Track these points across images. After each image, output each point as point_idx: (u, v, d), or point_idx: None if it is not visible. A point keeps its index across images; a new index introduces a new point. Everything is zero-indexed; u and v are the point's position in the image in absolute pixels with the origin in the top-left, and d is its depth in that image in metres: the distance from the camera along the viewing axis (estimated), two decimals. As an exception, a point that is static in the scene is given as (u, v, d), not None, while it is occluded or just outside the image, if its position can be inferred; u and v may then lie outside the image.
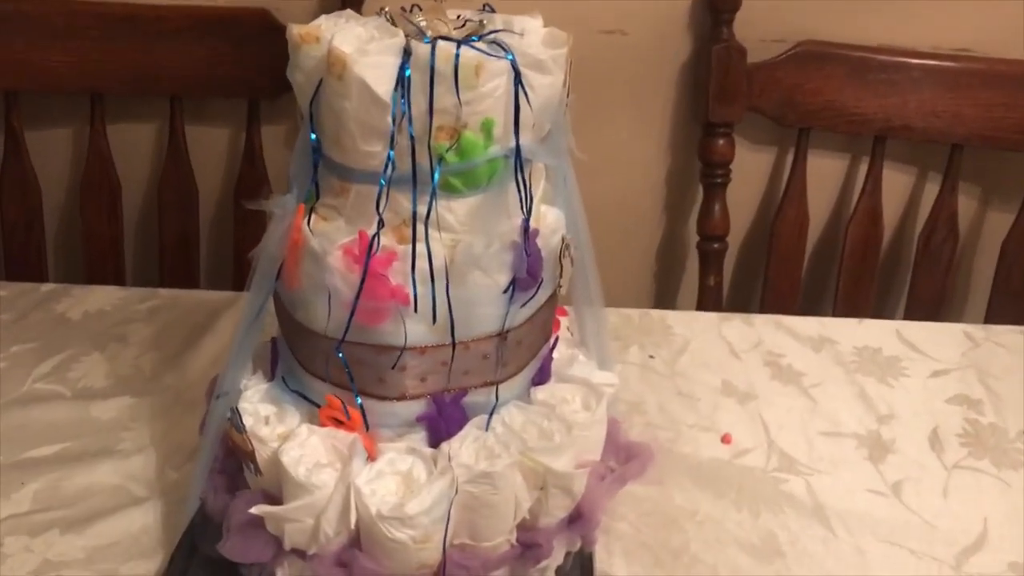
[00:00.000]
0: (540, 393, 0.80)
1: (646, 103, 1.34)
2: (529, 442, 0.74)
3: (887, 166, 1.33)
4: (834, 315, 1.33)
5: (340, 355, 0.71)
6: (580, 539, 0.78)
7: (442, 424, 0.74)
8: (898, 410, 1.03)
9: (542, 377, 0.82)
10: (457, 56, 0.66)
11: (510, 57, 0.69)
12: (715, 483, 0.91)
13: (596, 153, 1.34)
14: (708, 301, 1.35)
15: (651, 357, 1.10)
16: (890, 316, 1.41)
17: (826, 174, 1.38)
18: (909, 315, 1.35)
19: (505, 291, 0.73)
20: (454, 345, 0.72)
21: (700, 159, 1.33)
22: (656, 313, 1.18)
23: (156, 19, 1.26)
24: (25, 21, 1.25)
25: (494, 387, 0.76)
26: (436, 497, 0.70)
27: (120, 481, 0.87)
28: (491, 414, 0.75)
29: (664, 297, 1.46)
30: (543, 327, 0.80)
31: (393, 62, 0.66)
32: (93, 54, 1.27)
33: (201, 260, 1.36)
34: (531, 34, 0.74)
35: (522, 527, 0.75)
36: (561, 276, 0.79)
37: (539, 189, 0.78)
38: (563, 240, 0.78)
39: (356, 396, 0.73)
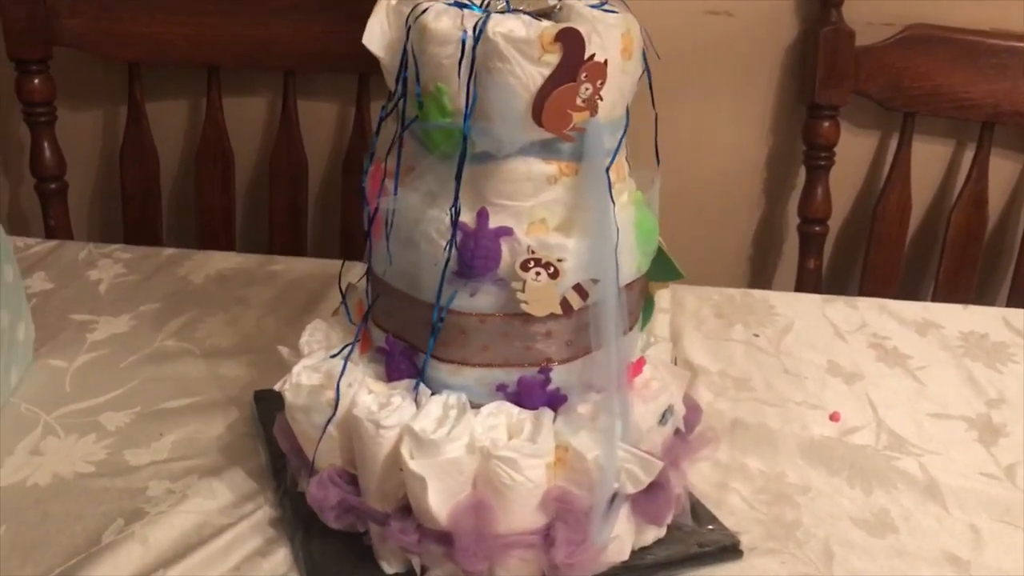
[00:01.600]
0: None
1: (750, 84, 1.35)
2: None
3: (994, 153, 1.32)
4: (934, 301, 1.33)
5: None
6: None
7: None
8: (1008, 395, 1.02)
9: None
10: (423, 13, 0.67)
11: (463, 35, 0.66)
12: (827, 460, 0.92)
13: (698, 133, 1.37)
14: (806, 284, 1.36)
15: (756, 335, 1.11)
16: (991, 304, 1.40)
17: (931, 159, 1.37)
18: (1012, 303, 1.34)
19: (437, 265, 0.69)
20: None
21: (804, 141, 1.33)
22: (758, 293, 1.19)
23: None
24: (148, -4, 1.30)
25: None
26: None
27: (249, 430, 0.91)
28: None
29: (760, 279, 1.46)
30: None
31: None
32: (211, 28, 1.31)
33: (308, 230, 1.40)
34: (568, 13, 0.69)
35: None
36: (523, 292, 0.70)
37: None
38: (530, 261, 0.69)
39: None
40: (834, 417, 0.98)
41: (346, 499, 0.74)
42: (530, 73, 0.65)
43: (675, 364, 0.84)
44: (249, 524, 0.80)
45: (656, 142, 0.77)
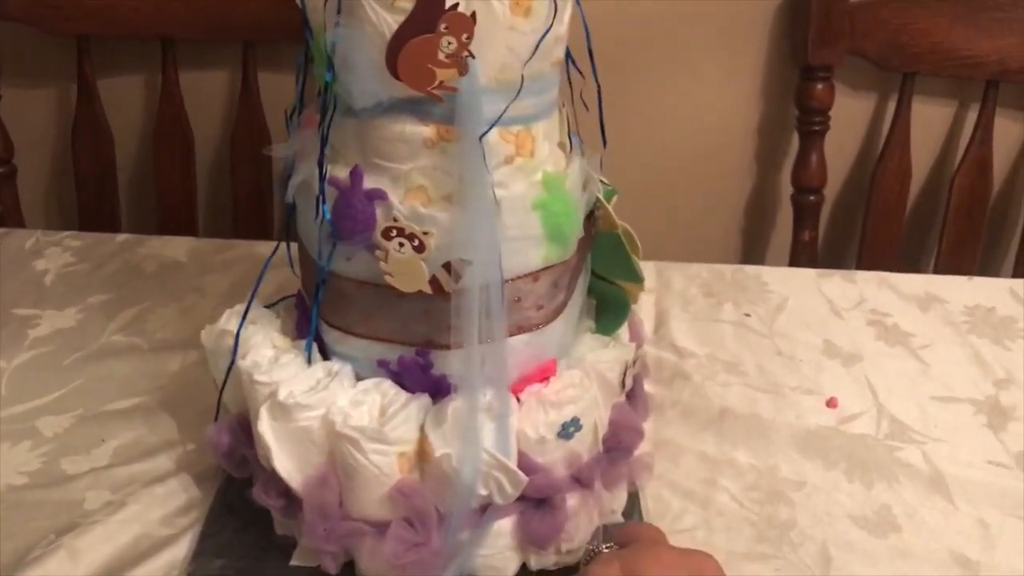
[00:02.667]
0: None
1: (739, 45, 1.27)
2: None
3: (999, 113, 1.25)
4: (936, 272, 1.26)
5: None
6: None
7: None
8: (1017, 375, 0.96)
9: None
10: None
11: None
12: (823, 452, 0.85)
13: (684, 99, 1.29)
14: (802, 257, 1.29)
15: (747, 315, 1.04)
16: (996, 274, 1.33)
17: (931, 122, 1.30)
18: (1019, 273, 1.27)
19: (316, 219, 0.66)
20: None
21: (797, 105, 1.26)
22: (750, 269, 1.12)
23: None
24: (97, -36, 1.22)
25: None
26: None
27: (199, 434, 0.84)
28: None
29: (753, 253, 1.39)
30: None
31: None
32: (165, -2, 1.23)
33: (274, 211, 1.33)
34: None
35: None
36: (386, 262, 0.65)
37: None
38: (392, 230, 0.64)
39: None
40: (831, 403, 0.92)
41: (237, 448, 0.72)
42: (383, 19, 0.59)
43: (633, 366, 0.77)
44: (193, 534, 0.74)
45: (601, 119, 0.69)
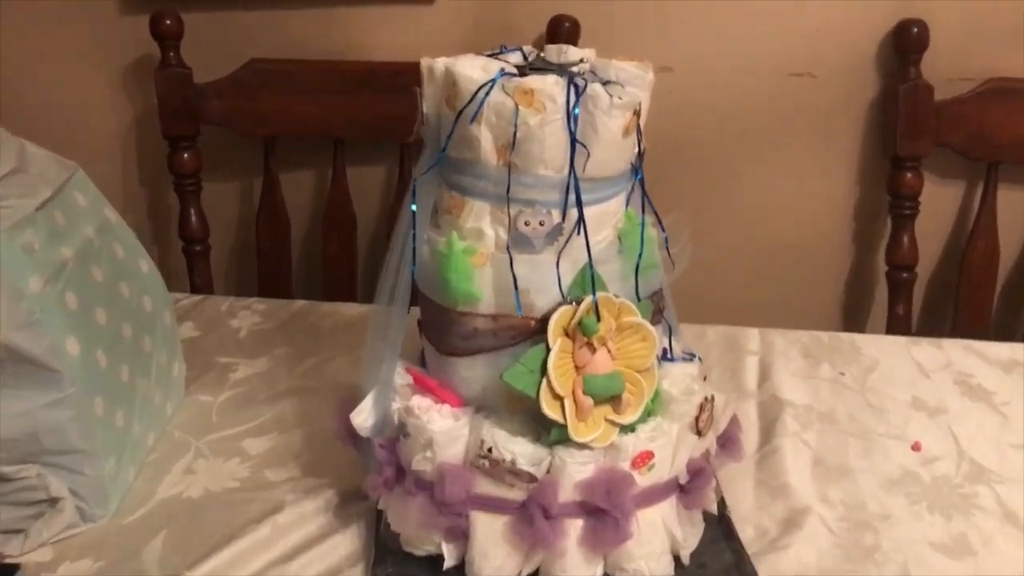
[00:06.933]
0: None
1: (834, 139, 1.41)
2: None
3: (1081, 198, 1.34)
4: (1026, 344, 1.35)
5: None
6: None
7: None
8: (1093, 428, 1.05)
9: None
10: None
11: None
12: (907, 489, 0.96)
13: (786, 186, 1.44)
14: (896, 329, 1.39)
15: (841, 374, 1.16)
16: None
17: (1018, 205, 1.40)
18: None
19: None
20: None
21: (889, 192, 1.38)
22: (846, 336, 1.24)
23: (392, 74, 1.44)
24: (282, 78, 1.46)
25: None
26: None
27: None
28: None
29: (851, 325, 1.50)
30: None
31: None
32: (336, 105, 1.46)
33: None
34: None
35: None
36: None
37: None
38: None
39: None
40: (916, 447, 1.02)
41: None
42: None
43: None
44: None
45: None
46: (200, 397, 1.12)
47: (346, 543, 0.89)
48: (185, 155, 1.48)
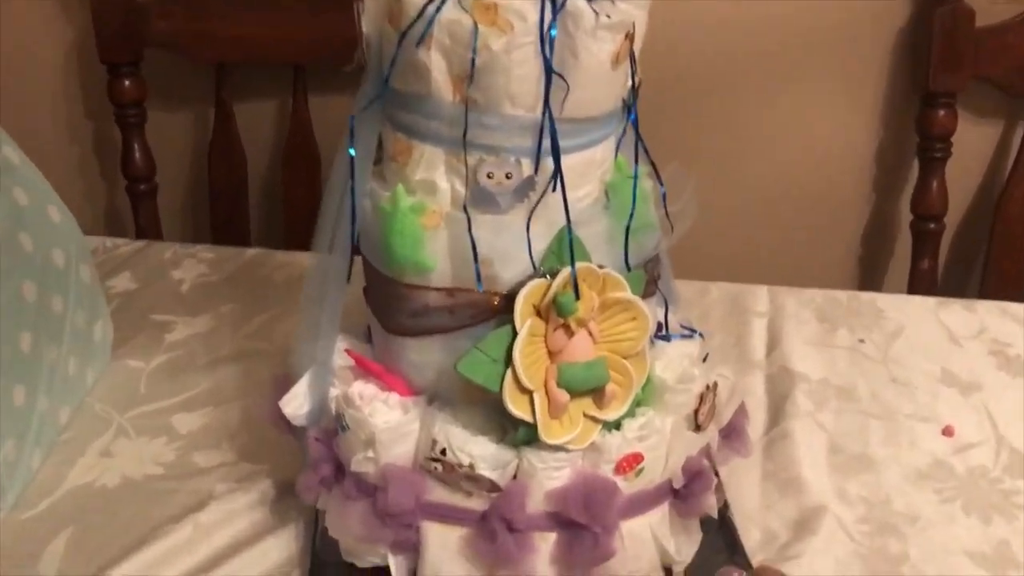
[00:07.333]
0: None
1: (860, 71, 1.26)
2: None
3: None
4: (1066, 304, 1.22)
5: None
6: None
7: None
8: None
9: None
10: None
11: None
12: (938, 484, 0.84)
13: (804, 124, 1.29)
14: (920, 286, 1.26)
15: (861, 341, 1.03)
16: None
17: (1062, 148, 1.26)
18: None
19: None
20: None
21: (917, 132, 1.24)
22: (866, 295, 1.12)
23: (358, -10, 1.28)
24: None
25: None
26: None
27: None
28: None
29: (870, 281, 1.37)
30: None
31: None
32: (297, 26, 1.30)
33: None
34: None
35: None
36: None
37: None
38: None
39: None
40: (947, 431, 0.90)
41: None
42: None
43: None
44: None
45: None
46: (129, 362, 0.98)
47: (280, 547, 0.76)
48: (126, 83, 1.32)
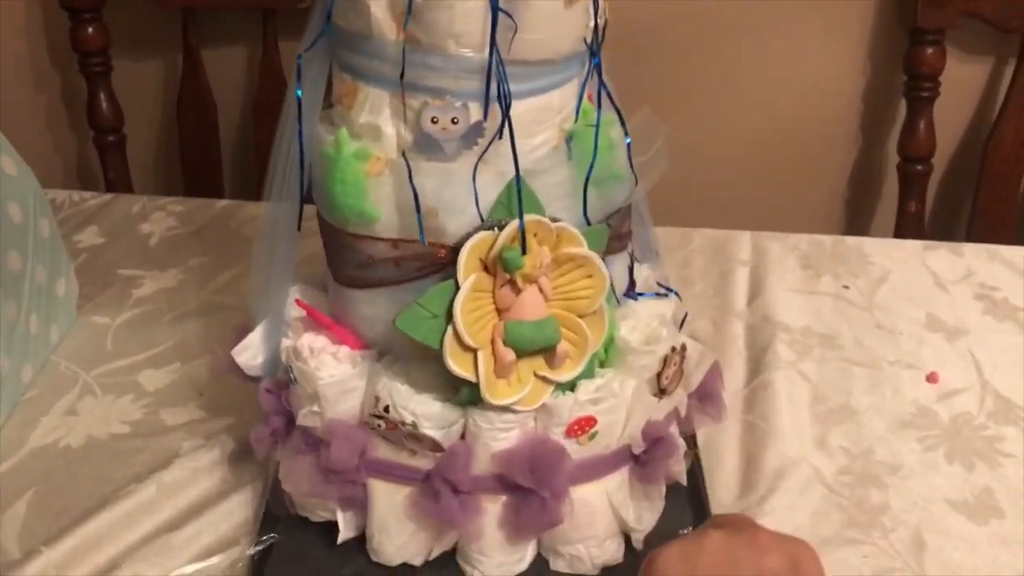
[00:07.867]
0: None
1: (845, 9, 1.23)
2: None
3: None
4: (1054, 247, 1.20)
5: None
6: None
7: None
8: None
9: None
10: None
11: None
12: (921, 432, 0.82)
13: (786, 63, 1.26)
14: (907, 230, 1.25)
15: (845, 287, 1.00)
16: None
17: (1052, 87, 1.23)
18: None
19: None
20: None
21: (904, 70, 1.21)
22: (851, 240, 1.09)
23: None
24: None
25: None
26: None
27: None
28: None
29: (855, 225, 1.36)
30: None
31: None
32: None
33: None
34: None
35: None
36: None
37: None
38: None
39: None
40: (932, 378, 0.88)
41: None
42: None
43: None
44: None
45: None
46: (95, 319, 0.96)
47: (245, 504, 0.74)
48: (89, 29, 1.29)
